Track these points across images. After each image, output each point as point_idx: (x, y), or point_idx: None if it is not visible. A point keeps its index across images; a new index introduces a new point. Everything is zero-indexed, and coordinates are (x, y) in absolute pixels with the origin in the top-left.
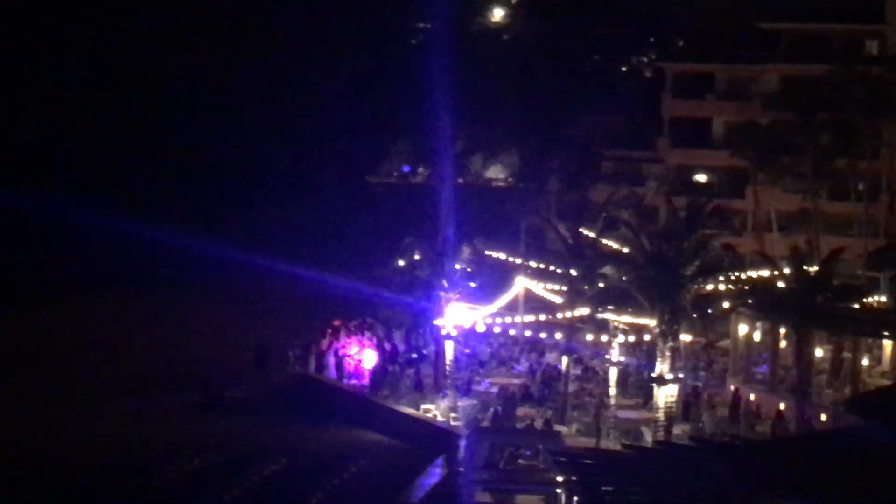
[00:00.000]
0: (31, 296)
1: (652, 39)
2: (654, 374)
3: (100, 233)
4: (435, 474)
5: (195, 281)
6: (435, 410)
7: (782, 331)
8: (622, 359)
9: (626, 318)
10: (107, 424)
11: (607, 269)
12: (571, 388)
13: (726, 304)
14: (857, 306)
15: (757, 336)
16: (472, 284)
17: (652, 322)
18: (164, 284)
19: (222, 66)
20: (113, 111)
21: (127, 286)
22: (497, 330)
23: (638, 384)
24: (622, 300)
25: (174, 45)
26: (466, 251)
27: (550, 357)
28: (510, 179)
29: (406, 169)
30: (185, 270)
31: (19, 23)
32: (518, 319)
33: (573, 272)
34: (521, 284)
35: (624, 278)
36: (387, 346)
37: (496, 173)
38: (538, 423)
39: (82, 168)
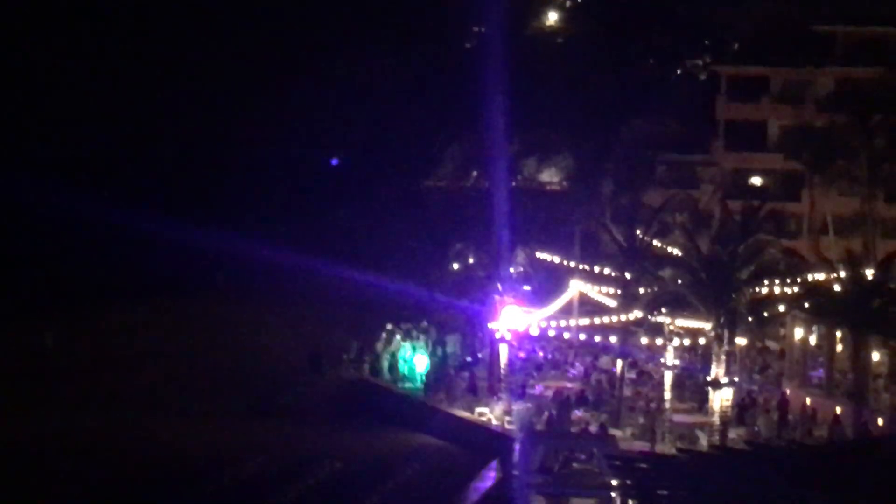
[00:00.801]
0: (85, 301)
1: (706, 42)
2: (709, 378)
3: (154, 238)
4: (489, 478)
5: (250, 285)
6: (489, 414)
7: (839, 334)
8: (677, 362)
9: (681, 322)
10: (162, 429)
11: (665, 273)
12: (626, 391)
13: (782, 308)
14: None
15: (813, 340)
16: (527, 288)
17: (707, 325)
18: (220, 289)
19: (278, 67)
20: (170, 116)
21: (182, 291)
22: (552, 333)
23: (693, 388)
24: (677, 303)
25: (229, 47)
26: (521, 254)
27: (605, 361)
28: (564, 183)
29: (461, 172)
30: (240, 275)
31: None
32: (572, 323)
33: (627, 276)
34: (576, 288)
35: (679, 282)
36: (440, 349)
37: (550, 177)
38: (593, 427)
39: (135, 174)
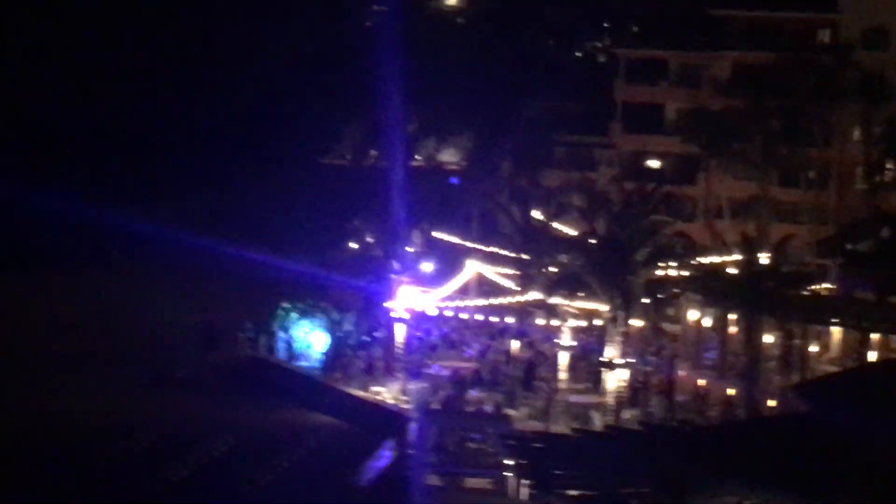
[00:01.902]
0: None
1: (606, 25)
2: (603, 359)
3: (48, 210)
4: (385, 457)
5: (145, 260)
6: (385, 393)
7: (732, 317)
8: (573, 343)
9: (578, 303)
10: (54, 401)
11: (562, 255)
12: (522, 371)
13: (677, 290)
14: (806, 293)
15: (707, 322)
16: (424, 267)
17: (603, 307)
18: (117, 263)
19: (171, 41)
20: (63, 89)
21: (79, 264)
22: (448, 313)
23: (588, 369)
24: (574, 285)
25: (121, 17)
26: (418, 234)
27: (501, 341)
28: (463, 163)
29: (359, 150)
30: (138, 250)
31: None
32: (469, 303)
33: (525, 256)
34: (473, 268)
35: (576, 263)
36: (337, 328)
37: (449, 157)
38: (488, 407)
39: (28, 146)
